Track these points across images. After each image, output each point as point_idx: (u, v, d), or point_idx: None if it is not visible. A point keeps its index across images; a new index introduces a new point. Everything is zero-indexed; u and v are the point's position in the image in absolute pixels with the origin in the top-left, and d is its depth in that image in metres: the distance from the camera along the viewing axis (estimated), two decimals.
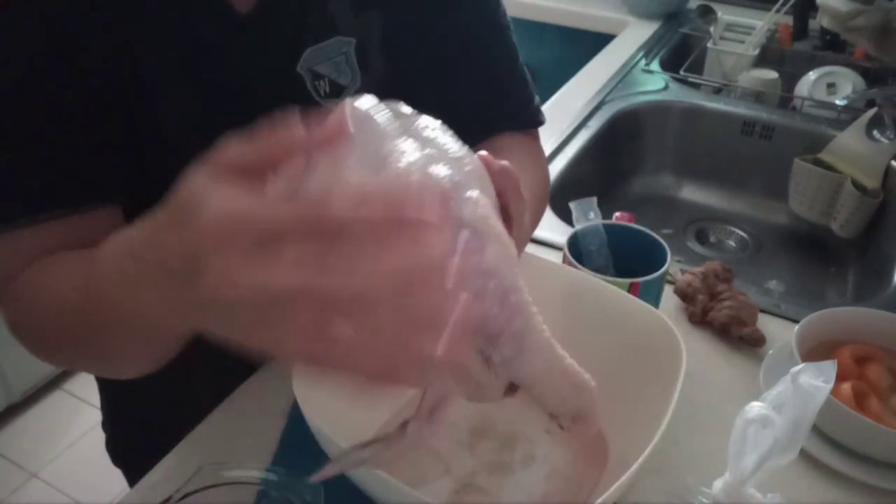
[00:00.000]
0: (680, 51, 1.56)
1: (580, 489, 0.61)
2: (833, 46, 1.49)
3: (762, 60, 1.49)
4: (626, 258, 0.76)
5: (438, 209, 0.32)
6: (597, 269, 0.72)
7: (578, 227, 0.77)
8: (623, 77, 1.42)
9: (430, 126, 0.36)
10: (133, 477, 0.78)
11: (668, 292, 0.79)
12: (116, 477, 0.88)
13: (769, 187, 1.29)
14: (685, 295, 0.83)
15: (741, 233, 1.28)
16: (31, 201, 0.53)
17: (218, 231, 0.32)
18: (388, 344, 0.32)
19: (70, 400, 2.07)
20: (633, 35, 1.61)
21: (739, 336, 0.79)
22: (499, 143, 0.72)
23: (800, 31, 1.54)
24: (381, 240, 0.31)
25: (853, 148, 1.15)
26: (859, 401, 0.67)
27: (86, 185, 0.55)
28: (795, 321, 0.75)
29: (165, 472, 0.63)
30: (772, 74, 1.37)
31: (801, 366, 0.50)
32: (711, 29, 1.52)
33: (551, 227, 0.94)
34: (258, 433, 0.66)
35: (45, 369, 2.02)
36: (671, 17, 1.68)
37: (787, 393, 0.50)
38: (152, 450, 0.65)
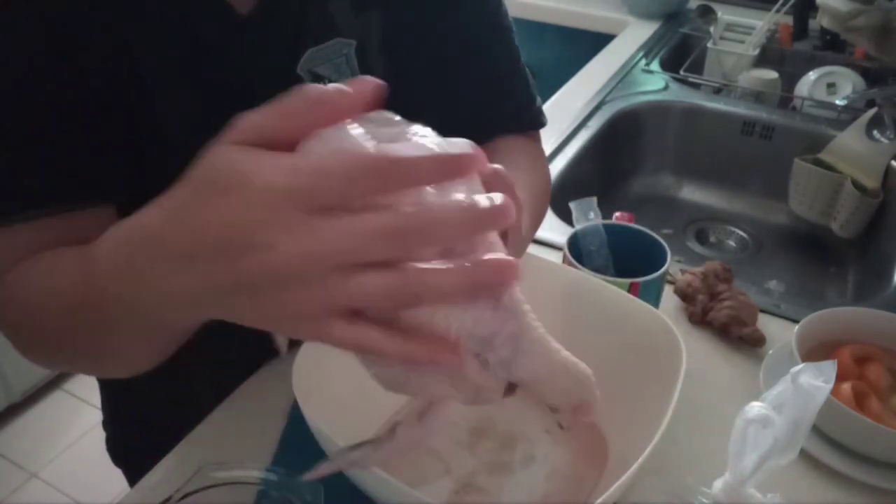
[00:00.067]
0: (680, 51, 1.56)
1: (580, 489, 0.61)
2: (833, 46, 1.49)
3: (762, 60, 1.49)
4: (626, 258, 0.76)
5: None
6: (597, 269, 0.72)
7: (578, 227, 0.77)
8: (623, 77, 1.42)
9: (420, 133, 0.35)
10: (133, 477, 0.78)
11: (668, 292, 0.79)
12: (116, 477, 0.88)
13: (769, 187, 1.29)
14: (685, 295, 0.83)
15: (741, 233, 1.28)
16: (30, 199, 0.53)
17: (272, 200, 0.31)
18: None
19: (70, 400, 2.07)
20: (633, 35, 1.61)
21: (739, 336, 0.79)
22: (499, 145, 0.72)
23: (800, 31, 1.54)
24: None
25: (853, 148, 1.15)
26: (859, 401, 0.67)
27: (85, 185, 0.55)
28: (795, 321, 0.75)
29: (165, 472, 0.63)
30: (772, 74, 1.37)
31: (801, 366, 0.50)
32: (711, 29, 1.52)
33: (551, 227, 0.94)
34: (258, 433, 0.66)
35: (45, 369, 2.02)
36: (671, 17, 1.68)
37: (787, 393, 0.50)
38: (152, 450, 0.65)
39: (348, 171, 0.31)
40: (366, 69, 0.66)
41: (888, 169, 1.12)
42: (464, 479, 0.62)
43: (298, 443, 0.61)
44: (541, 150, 0.79)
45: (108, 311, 0.42)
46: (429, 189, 0.33)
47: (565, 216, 0.90)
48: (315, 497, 0.48)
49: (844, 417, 0.64)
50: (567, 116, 1.27)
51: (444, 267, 0.32)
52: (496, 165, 0.41)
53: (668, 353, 0.58)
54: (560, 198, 0.89)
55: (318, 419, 0.51)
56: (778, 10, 1.44)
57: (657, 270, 0.71)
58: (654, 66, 1.46)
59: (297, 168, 0.31)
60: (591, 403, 0.39)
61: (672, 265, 0.73)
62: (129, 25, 0.55)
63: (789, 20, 1.52)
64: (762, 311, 0.83)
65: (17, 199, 0.53)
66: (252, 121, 0.33)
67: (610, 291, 0.65)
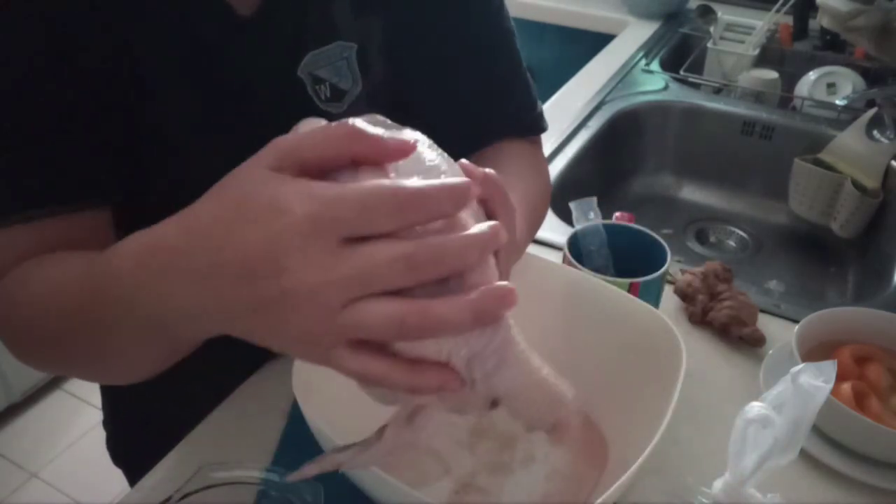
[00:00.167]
0: (680, 51, 1.56)
1: (580, 489, 0.61)
2: (833, 46, 1.50)
3: (762, 60, 1.50)
4: (626, 258, 0.76)
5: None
6: (597, 269, 0.72)
7: (578, 227, 0.77)
8: (623, 77, 1.42)
9: (413, 137, 0.35)
10: (133, 477, 0.78)
11: (668, 292, 0.79)
12: (116, 477, 0.88)
13: (769, 187, 1.29)
14: (685, 295, 0.83)
15: (741, 233, 1.28)
16: (30, 199, 0.53)
17: (307, 228, 0.32)
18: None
19: (70, 400, 2.07)
20: (633, 35, 1.61)
21: (739, 336, 0.79)
22: (499, 150, 0.71)
23: (800, 31, 1.54)
24: None
25: (853, 148, 1.15)
26: (859, 401, 0.67)
27: (85, 185, 0.55)
28: (795, 321, 0.75)
29: (165, 472, 0.63)
30: (772, 74, 1.37)
31: (801, 366, 0.50)
32: (711, 29, 1.52)
33: (551, 227, 0.94)
34: (258, 433, 0.66)
35: None
36: (671, 17, 1.68)
37: (787, 393, 0.50)
38: (152, 450, 0.65)
39: (378, 205, 0.32)
40: (366, 71, 0.66)
41: (888, 169, 1.12)
42: (464, 479, 0.62)
43: (298, 443, 0.61)
44: (541, 156, 0.78)
45: (122, 316, 0.42)
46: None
47: (565, 216, 0.90)
48: (315, 497, 0.48)
49: (844, 417, 0.64)
50: (567, 116, 1.27)
51: (449, 300, 0.32)
52: (488, 170, 0.41)
53: (668, 353, 0.58)
54: (560, 198, 0.89)
55: (318, 419, 0.51)
56: (778, 10, 1.44)
57: (657, 270, 0.71)
58: (654, 66, 1.46)
59: (326, 200, 0.32)
60: (566, 425, 0.39)
61: (672, 265, 0.73)
62: (129, 25, 0.55)
63: (789, 20, 1.53)
64: (762, 311, 0.83)
65: (17, 199, 0.53)
66: (290, 145, 0.34)
67: (610, 291, 0.65)
